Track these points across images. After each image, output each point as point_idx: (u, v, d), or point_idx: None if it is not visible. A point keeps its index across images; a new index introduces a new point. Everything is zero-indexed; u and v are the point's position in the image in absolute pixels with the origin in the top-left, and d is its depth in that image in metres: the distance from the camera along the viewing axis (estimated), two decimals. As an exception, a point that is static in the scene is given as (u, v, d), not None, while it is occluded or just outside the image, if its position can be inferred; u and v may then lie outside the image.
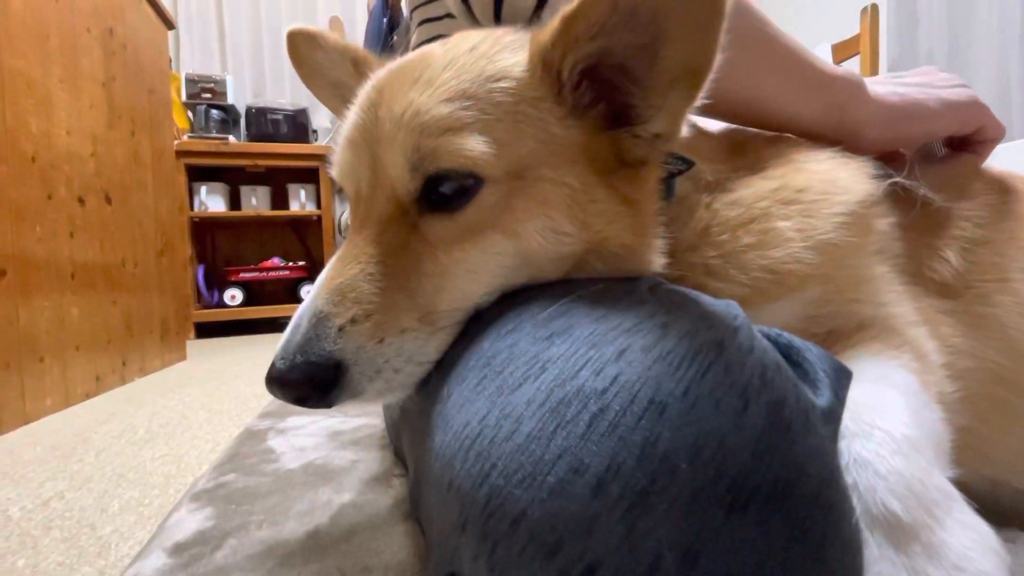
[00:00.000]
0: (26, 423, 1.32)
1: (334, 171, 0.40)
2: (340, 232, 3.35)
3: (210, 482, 0.73)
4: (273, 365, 0.34)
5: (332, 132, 3.54)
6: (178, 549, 0.54)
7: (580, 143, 0.36)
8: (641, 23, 0.32)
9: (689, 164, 0.41)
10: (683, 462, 0.23)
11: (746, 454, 0.23)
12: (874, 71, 2.43)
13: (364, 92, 0.39)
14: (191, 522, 0.60)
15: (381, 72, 0.41)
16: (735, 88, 0.46)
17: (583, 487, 0.23)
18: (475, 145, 0.33)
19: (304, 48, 0.49)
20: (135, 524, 0.72)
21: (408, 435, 0.52)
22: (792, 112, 0.49)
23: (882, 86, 0.52)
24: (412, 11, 0.58)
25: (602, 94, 0.36)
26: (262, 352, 2.43)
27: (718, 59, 0.31)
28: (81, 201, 1.62)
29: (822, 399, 0.28)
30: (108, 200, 1.77)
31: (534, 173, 0.35)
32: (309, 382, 0.33)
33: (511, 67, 0.36)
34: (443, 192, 0.35)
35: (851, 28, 2.58)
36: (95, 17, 1.73)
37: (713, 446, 0.23)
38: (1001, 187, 0.52)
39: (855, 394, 0.34)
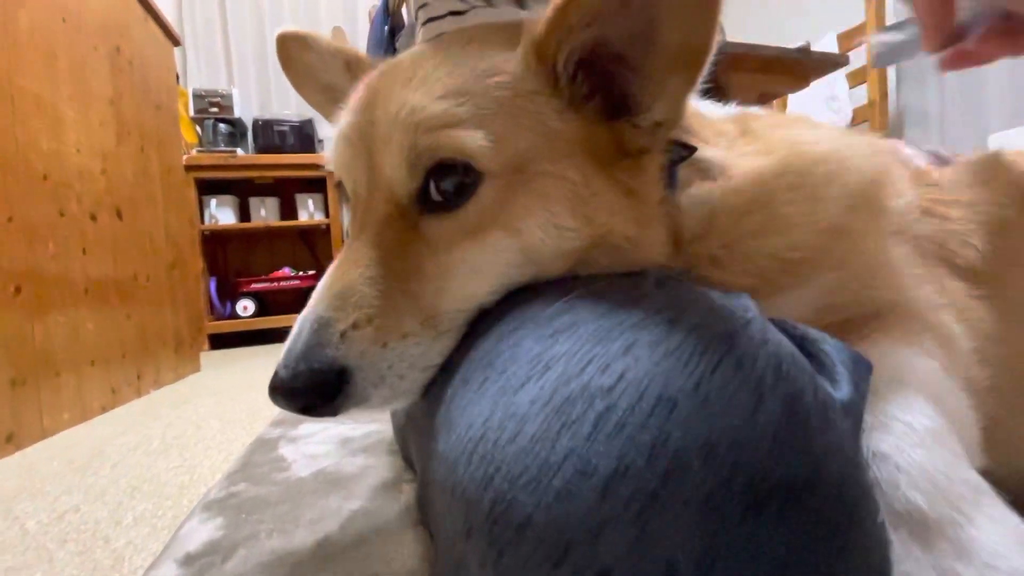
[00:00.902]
0: (44, 438, 1.34)
1: (332, 168, 0.39)
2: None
3: (221, 492, 0.72)
4: (276, 374, 0.33)
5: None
6: (189, 560, 0.54)
7: (579, 135, 0.35)
8: (635, 8, 0.31)
9: (691, 150, 0.39)
10: (695, 461, 0.21)
11: (762, 451, 0.22)
12: (882, 60, 2.40)
13: (358, 92, 0.39)
14: (202, 532, 0.60)
15: (375, 72, 0.40)
16: None
17: (590, 490, 0.21)
18: (472, 138, 0.33)
19: (295, 50, 0.48)
20: (148, 536, 0.72)
21: (415, 440, 0.51)
22: None
23: None
24: (417, 10, 0.58)
25: (599, 85, 0.35)
26: (275, 361, 2.44)
27: (717, 39, 0.30)
28: (93, 217, 1.65)
29: (841, 392, 0.27)
30: (119, 215, 1.79)
31: (533, 168, 0.34)
32: (314, 390, 0.33)
33: (505, 61, 0.35)
34: (442, 189, 0.34)
35: (856, 16, 2.55)
36: (102, 35, 1.76)
37: (727, 444, 0.22)
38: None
39: (874, 384, 0.32)
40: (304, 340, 0.33)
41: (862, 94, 2.54)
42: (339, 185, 0.41)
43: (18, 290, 1.31)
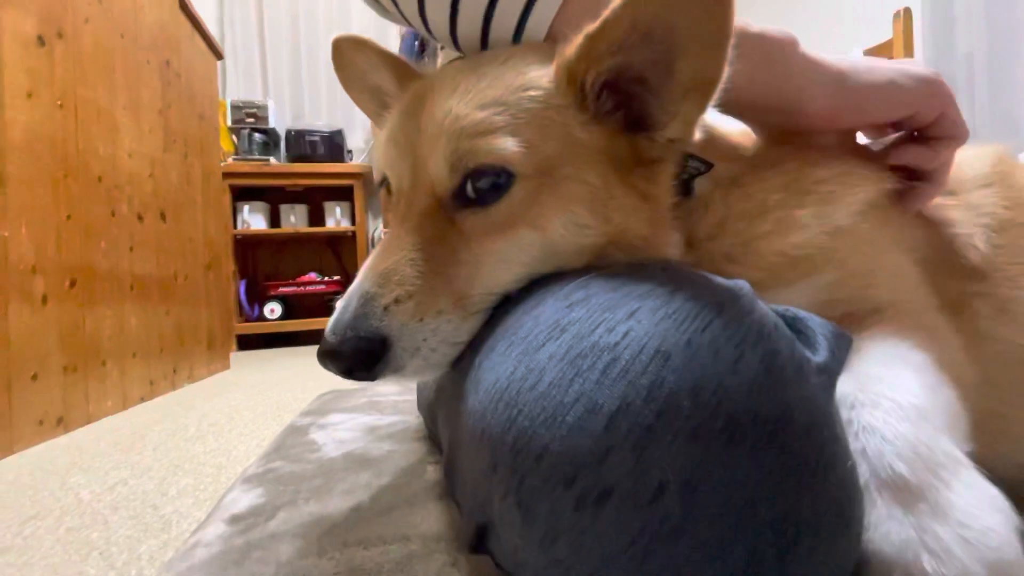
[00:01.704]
0: (88, 423, 1.43)
1: (378, 165, 0.45)
2: (373, 247, 3.46)
3: (259, 468, 0.78)
4: (325, 340, 0.38)
5: (366, 151, 3.69)
6: (235, 520, 0.59)
7: (601, 145, 0.40)
8: (657, 41, 0.36)
9: (708, 166, 0.44)
10: (685, 400, 0.26)
11: (741, 395, 0.26)
12: (908, 77, 2.39)
13: (406, 99, 0.44)
14: (245, 499, 0.65)
15: (420, 82, 0.46)
16: None
17: (597, 424, 0.26)
18: (507, 144, 0.38)
19: (349, 53, 0.54)
20: (192, 505, 0.78)
21: (443, 411, 0.56)
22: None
23: (830, 56, 0.46)
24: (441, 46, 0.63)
25: (621, 102, 0.40)
26: (300, 363, 2.52)
27: (726, 71, 0.34)
28: (140, 218, 1.75)
29: (818, 356, 0.31)
30: (163, 217, 1.91)
31: (559, 172, 0.39)
32: (358, 355, 0.37)
33: (539, 78, 0.40)
34: (478, 188, 0.39)
35: (884, 33, 2.54)
36: (154, 50, 1.89)
37: (712, 387, 0.26)
38: None
39: (866, 369, 0.35)
40: (352, 311, 0.38)
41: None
42: (383, 183, 0.47)
43: (73, 283, 1.41)
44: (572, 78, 0.39)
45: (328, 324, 0.39)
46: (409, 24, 0.49)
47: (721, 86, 0.36)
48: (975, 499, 0.28)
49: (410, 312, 0.38)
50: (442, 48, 0.62)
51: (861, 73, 0.45)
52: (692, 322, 0.28)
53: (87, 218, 1.48)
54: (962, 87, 2.39)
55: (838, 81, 0.45)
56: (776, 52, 0.44)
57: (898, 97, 0.46)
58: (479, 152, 0.38)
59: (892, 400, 0.32)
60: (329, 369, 0.39)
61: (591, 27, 0.36)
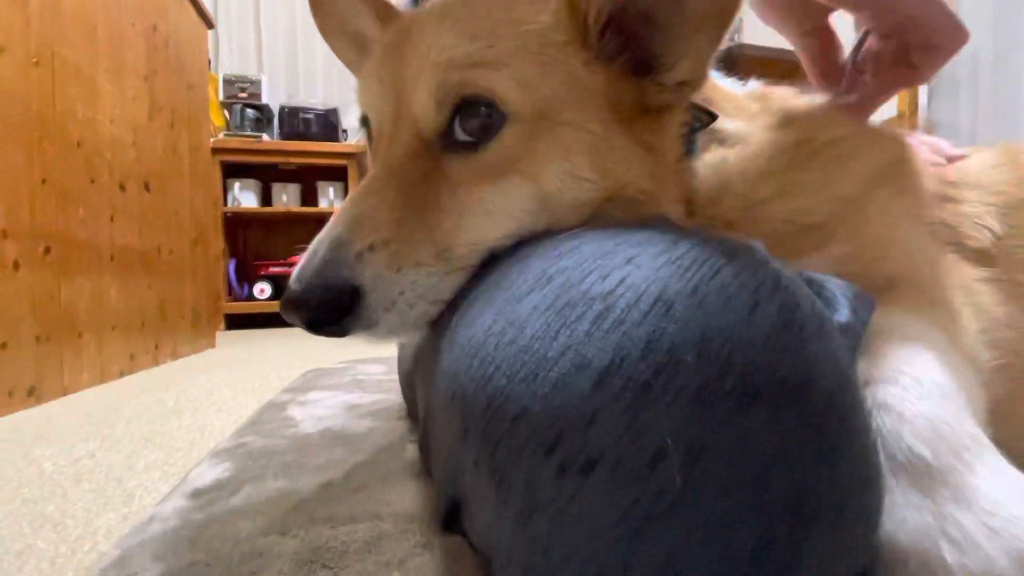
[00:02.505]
0: (63, 395, 1.38)
1: (359, 104, 0.40)
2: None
3: (230, 443, 0.74)
4: (289, 288, 0.34)
5: (362, 131, 3.62)
6: (197, 494, 0.55)
7: (604, 89, 0.36)
8: None
9: (712, 117, 0.40)
10: (690, 355, 0.22)
11: (755, 351, 0.22)
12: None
13: (390, 33, 0.40)
14: (210, 474, 0.61)
15: (406, 16, 0.41)
16: None
17: (585, 381, 0.22)
18: (500, 78, 0.34)
19: None
20: (159, 479, 0.74)
21: (420, 378, 0.52)
22: None
23: None
24: None
25: (627, 44, 0.37)
26: (288, 342, 2.48)
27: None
28: (122, 187, 1.70)
29: (840, 315, 0.27)
30: (147, 188, 1.85)
31: (558, 117, 0.35)
32: (325, 305, 0.33)
33: (538, 12, 0.36)
34: (467, 128, 0.35)
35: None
36: (139, 13, 1.82)
37: (721, 341, 0.22)
38: None
39: (882, 345, 0.32)
40: (320, 257, 0.34)
41: (892, 106, 2.51)
42: (364, 124, 0.42)
43: (47, 250, 1.36)
44: (574, 11, 0.35)
45: (294, 272, 0.35)
46: None
47: (740, 12, 0.32)
48: (1001, 485, 0.25)
49: (386, 261, 0.34)
50: None
51: None
52: (699, 268, 0.25)
53: (64, 183, 1.42)
54: (967, 85, 2.38)
55: None
56: None
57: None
58: (467, 84, 0.34)
59: (912, 376, 0.29)
60: (293, 321, 0.35)
61: None
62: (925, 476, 0.25)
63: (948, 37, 0.44)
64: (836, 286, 0.30)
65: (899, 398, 0.28)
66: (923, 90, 2.52)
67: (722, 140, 0.42)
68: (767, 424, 0.22)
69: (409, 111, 0.37)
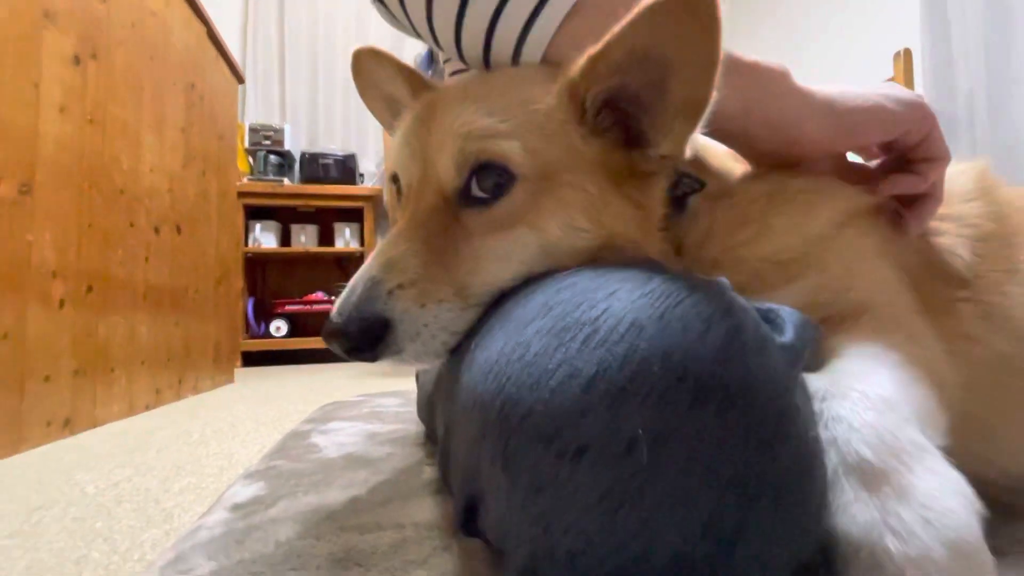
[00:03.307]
0: (94, 426, 1.45)
1: (391, 165, 0.49)
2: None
3: (261, 466, 0.80)
4: (330, 320, 0.41)
5: (377, 175, 3.78)
6: (237, 508, 0.61)
7: (598, 157, 0.43)
8: (652, 64, 0.39)
9: (702, 184, 0.47)
10: (656, 365, 0.28)
11: (706, 362, 0.28)
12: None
13: (419, 106, 0.49)
14: (246, 492, 0.67)
15: (432, 92, 0.50)
16: None
17: (576, 387, 0.28)
18: (511, 146, 0.41)
19: (367, 63, 0.58)
20: (194, 501, 0.80)
21: (441, 399, 0.58)
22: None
23: (818, 84, 0.48)
24: (444, 63, 0.68)
25: (618, 120, 0.43)
26: (303, 379, 2.54)
27: (715, 94, 0.38)
28: (156, 230, 1.81)
29: (783, 337, 0.33)
30: (178, 231, 1.97)
31: (559, 178, 0.42)
32: (361, 335, 0.40)
33: (543, 93, 0.43)
34: (482, 186, 0.42)
35: (886, 72, 2.61)
36: (181, 72, 1.99)
37: (680, 354, 0.28)
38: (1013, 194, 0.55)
39: (840, 365, 0.38)
40: (358, 294, 0.41)
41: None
42: (395, 181, 0.51)
43: (90, 289, 1.46)
44: (574, 94, 0.42)
45: (335, 306, 0.42)
46: (417, 33, 0.52)
47: (710, 107, 0.39)
48: (937, 483, 0.29)
49: (412, 298, 0.40)
50: (446, 61, 0.66)
51: (849, 99, 0.47)
52: (666, 299, 0.31)
53: (107, 227, 1.54)
54: (964, 124, 2.44)
55: (828, 107, 0.47)
56: (769, 82, 0.46)
57: (886, 119, 0.48)
58: (483, 151, 0.41)
59: (860, 392, 0.34)
60: (333, 348, 0.42)
61: (593, 49, 0.40)
62: (871, 476, 0.30)
63: (943, 152, 0.49)
64: (786, 314, 0.37)
65: (850, 411, 0.32)
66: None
67: (707, 195, 0.48)
68: (716, 419, 0.28)
69: (434, 172, 0.44)
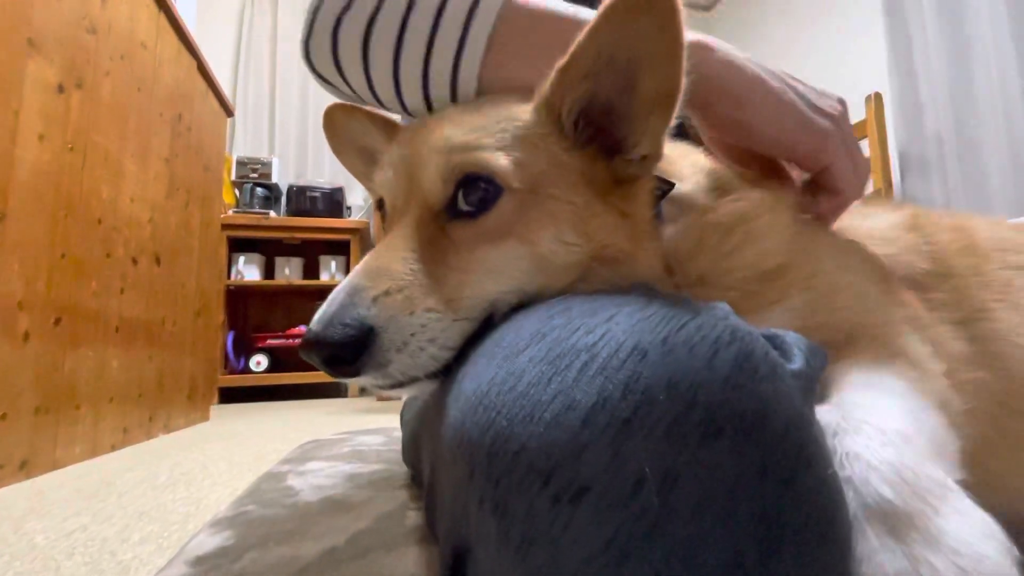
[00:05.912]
0: (54, 469, 1.35)
1: (376, 186, 0.46)
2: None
3: (230, 512, 0.74)
4: (309, 330, 0.37)
5: (365, 208, 3.78)
6: (199, 561, 0.55)
7: (582, 168, 0.42)
8: (619, 65, 0.39)
9: (670, 186, 0.46)
10: (661, 395, 0.25)
11: (716, 390, 0.25)
12: (884, 156, 2.52)
13: (401, 135, 0.47)
14: (211, 542, 0.61)
15: (413, 122, 0.48)
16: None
17: (574, 419, 0.25)
18: (496, 158, 0.40)
19: (340, 119, 0.57)
20: (154, 552, 0.73)
21: (427, 437, 0.54)
22: None
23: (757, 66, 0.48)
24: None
25: (597, 133, 0.43)
26: (283, 416, 2.45)
27: (684, 83, 0.38)
28: (134, 261, 1.76)
29: (793, 364, 0.31)
30: (158, 262, 1.91)
31: (545, 191, 0.41)
32: (342, 344, 0.36)
33: (522, 111, 0.43)
34: (469, 199, 0.41)
35: (858, 114, 2.72)
36: (168, 104, 1.98)
37: (687, 383, 0.25)
38: (957, 226, 0.56)
39: (847, 396, 0.36)
40: (339, 303, 0.37)
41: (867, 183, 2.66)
42: (380, 205, 0.48)
43: (58, 321, 1.39)
44: (551, 108, 0.42)
45: (314, 317, 0.38)
46: (360, 99, 0.53)
47: (681, 97, 0.39)
48: (966, 526, 0.27)
49: (399, 304, 0.37)
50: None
51: (773, 89, 0.48)
52: (668, 323, 0.29)
53: (81, 257, 1.48)
54: (934, 165, 2.53)
55: (746, 91, 0.47)
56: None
57: (785, 139, 0.48)
58: (469, 163, 0.40)
59: (874, 426, 0.32)
60: (311, 359, 0.37)
61: (561, 60, 0.40)
62: (896, 520, 0.27)
63: (850, 188, 0.50)
64: (792, 339, 0.34)
65: (866, 447, 0.30)
66: (895, 168, 2.66)
67: (697, 207, 0.47)
68: (730, 453, 0.24)
69: (419, 188, 0.42)
